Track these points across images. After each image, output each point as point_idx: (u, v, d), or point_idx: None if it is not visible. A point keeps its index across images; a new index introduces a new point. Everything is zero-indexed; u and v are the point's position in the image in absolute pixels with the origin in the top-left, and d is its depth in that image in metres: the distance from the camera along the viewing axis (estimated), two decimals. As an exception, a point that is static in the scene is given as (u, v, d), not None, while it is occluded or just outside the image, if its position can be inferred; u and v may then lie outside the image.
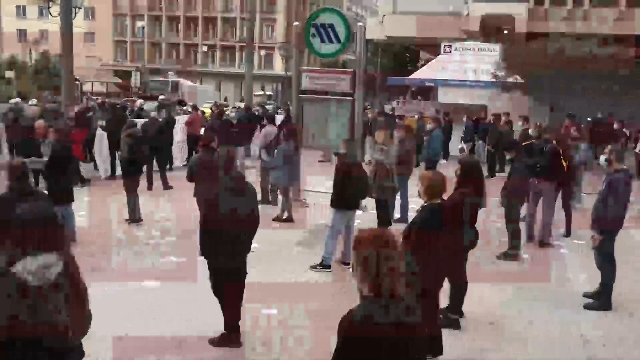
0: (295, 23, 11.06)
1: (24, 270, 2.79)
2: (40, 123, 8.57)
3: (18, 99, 15.39)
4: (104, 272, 6.67)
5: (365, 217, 8.91)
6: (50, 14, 14.20)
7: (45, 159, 7.99)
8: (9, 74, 40.65)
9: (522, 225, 8.49)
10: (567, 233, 9.23)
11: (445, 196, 4.89)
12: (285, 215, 9.58)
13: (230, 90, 56.02)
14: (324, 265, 7.07)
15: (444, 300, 5.34)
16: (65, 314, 2.84)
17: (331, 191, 7.33)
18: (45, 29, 58.65)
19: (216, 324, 5.13)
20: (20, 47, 49.95)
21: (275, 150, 9.85)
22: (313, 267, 7.06)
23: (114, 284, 6.19)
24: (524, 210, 8.68)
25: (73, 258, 3.04)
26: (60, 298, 2.86)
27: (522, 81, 20.22)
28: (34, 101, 15.19)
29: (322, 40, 10.30)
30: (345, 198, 7.07)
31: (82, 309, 2.96)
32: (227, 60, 62.52)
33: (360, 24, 11.74)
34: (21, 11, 62.40)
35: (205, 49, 61.41)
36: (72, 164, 7.57)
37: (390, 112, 20.59)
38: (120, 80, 52.85)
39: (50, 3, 14.47)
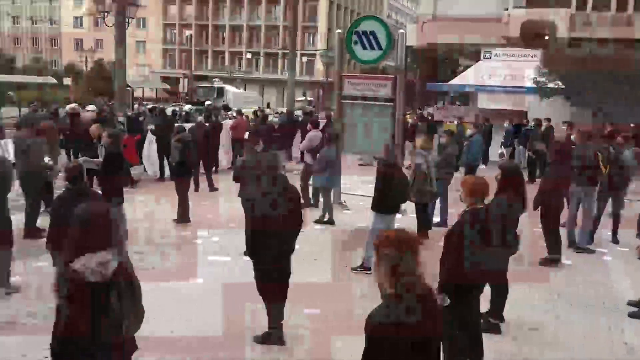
0: (338, 30, 11.06)
1: (82, 267, 2.87)
2: (94, 127, 8.83)
3: (75, 104, 15.90)
4: (152, 271, 6.79)
5: (405, 220, 8.83)
6: (106, 24, 14.61)
7: (99, 160, 8.23)
8: (67, 80, 42.07)
9: (563, 231, 8.25)
10: (614, 239, 8.92)
11: (486, 201, 4.79)
12: (327, 217, 9.58)
13: (272, 96, 56.55)
14: (365, 268, 7.03)
15: (484, 305, 5.23)
16: (121, 310, 2.91)
17: (371, 195, 7.29)
18: (101, 39, 60.71)
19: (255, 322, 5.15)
20: (77, 55, 51.62)
21: (317, 154, 9.86)
22: (354, 269, 7.03)
23: (164, 283, 6.30)
24: (565, 216, 8.44)
25: (127, 255, 3.12)
26: (116, 295, 2.93)
27: (564, 87, 19.70)
28: (93, 107, 15.67)
29: (364, 47, 10.28)
30: (385, 202, 7.01)
31: (135, 305, 3.02)
32: (270, 66, 63.18)
33: (401, 30, 11.66)
34: (78, 22, 64.66)
35: (249, 56, 62.19)
36: (123, 166, 7.74)
37: (429, 118, 20.38)
38: (168, 87, 53.97)
39: (106, 14, 14.89)
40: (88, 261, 2.88)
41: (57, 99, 28.22)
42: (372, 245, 7.05)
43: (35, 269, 6.63)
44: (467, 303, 4.48)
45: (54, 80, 36.45)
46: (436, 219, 9.43)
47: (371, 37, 10.26)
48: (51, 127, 9.99)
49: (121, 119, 12.71)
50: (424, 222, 8.66)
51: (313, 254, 7.46)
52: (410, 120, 18.26)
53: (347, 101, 10.45)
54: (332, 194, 9.99)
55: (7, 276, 6.11)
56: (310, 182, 10.41)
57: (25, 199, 8.43)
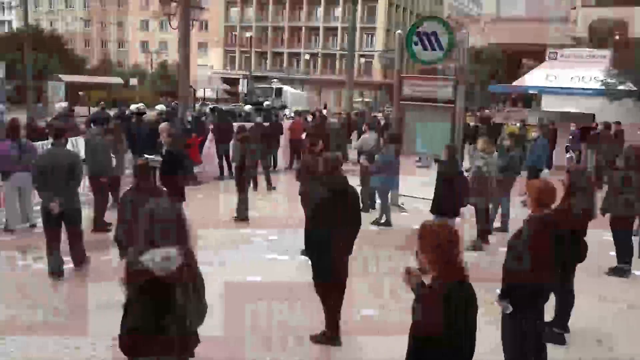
0: (398, 31, 10.98)
1: (149, 261, 2.96)
2: (164, 125, 9.14)
3: (142, 104, 16.44)
4: (211, 267, 6.94)
5: (464, 224, 8.64)
6: (171, 26, 15.06)
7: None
8: (133, 81, 43.72)
9: (635, 240, 7.84)
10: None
11: (553, 206, 4.62)
12: (384, 219, 9.51)
13: (330, 97, 56.71)
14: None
15: (549, 314, 5.04)
16: (185, 305, 2.98)
17: (430, 197, 7.18)
18: (165, 41, 62.81)
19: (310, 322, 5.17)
20: (143, 57, 53.61)
21: (376, 156, 9.81)
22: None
23: (223, 280, 6.42)
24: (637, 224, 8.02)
25: (192, 251, 3.19)
26: (180, 290, 3.00)
27: (635, 88, 18.75)
28: (161, 107, 16.20)
29: (424, 48, 10.16)
30: (445, 205, 6.89)
31: (199, 300, 3.09)
32: (328, 67, 63.42)
33: (463, 31, 11.42)
34: (145, 24, 67.15)
35: (307, 57, 62.67)
36: (183, 165, 7.95)
37: (490, 120, 19.87)
38: (229, 87, 55.13)
39: (171, 17, 15.33)
40: (154, 256, 2.96)
41: (124, 99, 29.42)
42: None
43: (103, 262, 6.90)
44: (530, 311, 4.33)
45: (121, 81, 38.01)
46: (497, 223, 9.19)
47: (432, 37, 10.13)
48: (118, 126, 10.39)
49: (189, 118, 13.06)
50: (485, 226, 8.44)
51: (370, 256, 7.43)
52: (471, 123, 17.86)
53: (407, 102, 10.35)
54: (389, 195, 9.91)
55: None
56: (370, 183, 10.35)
57: (94, 194, 8.81)
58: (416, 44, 10.16)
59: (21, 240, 7.90)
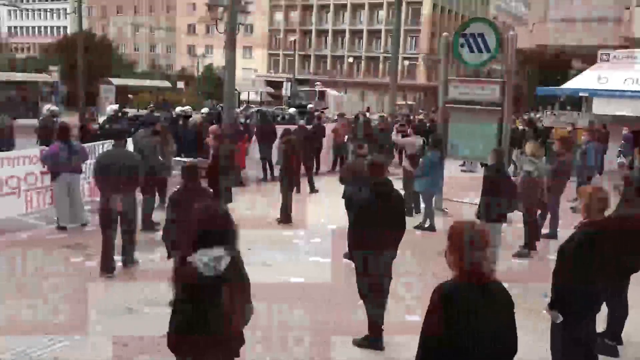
0: (445, 34, 10.83)
1: (197, 261, 3.00)
2: (214, 128, 9.34)
3: (188, 107, 16.81)
4: (255, 268, 6.99)
5: (512, 230, 8.45)
6: (218, 30, 15.28)
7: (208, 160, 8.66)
8: (180, 84, 44.69)
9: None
10: None
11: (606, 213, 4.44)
12: (427, 223, 9.39)
13: (372, 100, 56.48)
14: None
15: (600, 325, 4.85)
16: (232, 305, 3.01)
17: (474, 202, 7.05)
18: (211, 45, 63.97)
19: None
20: (190, 61, 54.75)
21: (420, 159, 9.70)
22: (456, 278, 6.80)
23: (266, 281, 6.46)
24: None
25: (239, 252, 3.22)
26: (227, 290, 3.03)
27: (693, 91, 17.94)
28: (206, 109, 16.53)
29: (471, 50, 9.99)
30: (492, 210, 6.74)
31: (246, 300, 3.12)
32: (371, 70, 63.20)
33: (511, 32, 11.18)
34: (191, 29, 68.62)
35: (350, 60, 62.64)
36: (229, 168, 8.07)
37: (538, 123, 19.38)
38: (272, 90, 55.62)
39: (218, 21, 15.56)
40: (203, 255, 3.01)
41: (171, 102, 30.10)
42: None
43: (151, 260, 7.06)
44: (581, 322, 4.18)
45: (169, 84, 38.87)
46: (545, 230, 8.93)
47: (479, 39, 9.95)
48: (165, 128, 10.63)
49: (242, 120, 13.21)
50: (533, 232, 8.22)
51: (413, 260, 7.33)
52: (519, 126, 17.44)
53: (452, 105, 10.19)
54: (433, 199, 9.77)
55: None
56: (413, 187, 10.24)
57: (142, 194, 9.01)
58: (462, 46, 10.00)
59: (72, 238, 8.17)
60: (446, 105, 10.26)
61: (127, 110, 22.31)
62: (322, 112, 22.04)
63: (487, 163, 7.69)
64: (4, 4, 69.60)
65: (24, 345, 4.88)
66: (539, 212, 8.60)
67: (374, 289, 5.01)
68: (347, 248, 7.21)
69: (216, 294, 2.99)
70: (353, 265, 5.24)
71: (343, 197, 7.54)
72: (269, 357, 4.81)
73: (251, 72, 63.24)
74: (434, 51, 54.83)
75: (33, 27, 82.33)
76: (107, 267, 6.66)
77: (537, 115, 27.01)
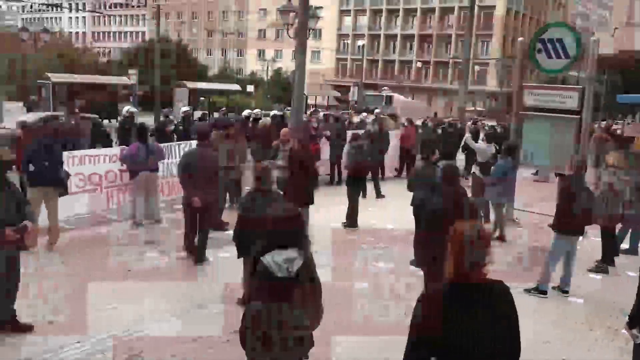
0: (521, 39, 10.51)
1: (270, 262, 3.06)
2: (285, 130, 9.50)
3: (258, 110, 17.17)
4: (321, 270, 7.04)
5: (587, 243, 8.07)
6: (289, 35, 15.52)
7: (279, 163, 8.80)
8: (250, 88, 45.68)
9: None
10: None
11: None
12: (497, 233, 9.12)
13: (440, 106, 55.59)
14: (540, 291, 6.55)
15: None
16: (303, 307, 3.05)
17: (546, 212, 6.78)
18: (280, 49, 65.17)
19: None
20: (260, 65, 55.93)
21: (492, 167, 9.43)
22: (527, 291, 6.58)
23: (331, 284, 6.49)
24: None
25: (311, 254, 3.25)
26: (300, 291, 3.07)
27: None
28: (275, 112, 16.81)
29: (549, 56, 9.63)
30: (569, 222, 6.46)
31: (317, 302, 3.15)
32: (439, 75, 62.27)
33: (593, 38, 10.70)
34: (262, 34, 70.13)
35: (419, 65, 61.95)
36: (309, 172, 8.24)
37: (619, 132, 18.43)
38: (339, 94, 55.85)
39: (289, 26, 15.82)
40: (276, 257, 3.06)
41: (241, 105, 30.84)
42: (549, 268, 6.57)
43: (221, 259, 7.26)
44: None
45: (239, 88, 39.79)
46: (625, 245, 8.47)
47: (558, 44, 9.58)
48: (238, 131, 10.90)
49: (314, 124, 13.30)
50: (611, 247, 7.81)
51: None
52: (600, 135, 16.63)
53: (527, 112, 9.86)
54: (504, 209, 9.49)
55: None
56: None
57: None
58: (539, 51, 9.66)
59: (148, 234, 8.52)
60: (521, 112, 9.93)
61: (203, 111, 23.04)
62: (393, 117, 21.88)
63: (563, 173, 7.39)
64: (90, 11, 73.77)
65: (104, 334, 5.14)
66: (619, 226, 8.18)
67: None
68: (413, 255, 7.19)
69: (288, 294, 3.03)
70: (420, 272, 5.18)
71: (412, 204, 7.44)
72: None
73: (319, 77, 63.80)
74: (506, 56, 53.31)
75: (114, 33, 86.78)
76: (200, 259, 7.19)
77: (616, 124, 25.70)
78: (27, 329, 5.07)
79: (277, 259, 3.06)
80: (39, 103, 27.50)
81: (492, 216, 9.48)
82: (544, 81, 26.65)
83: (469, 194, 9.92)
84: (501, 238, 9.03)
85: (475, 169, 10.65)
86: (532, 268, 7.47)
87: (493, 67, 55.77)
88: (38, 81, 28.73)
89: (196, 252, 7.21)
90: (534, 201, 11.57)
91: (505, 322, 2.60)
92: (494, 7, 57.87)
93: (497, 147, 11.43)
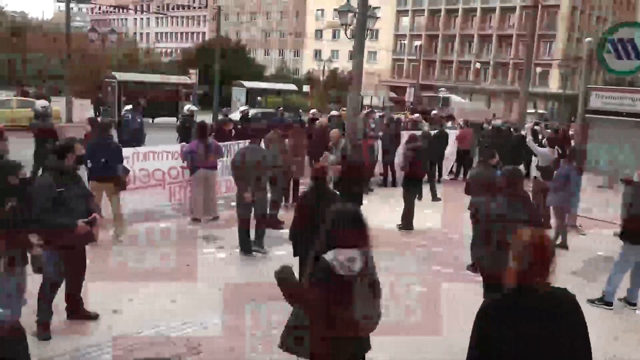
0: (588, 39, 10.10)
1: (332, 260, 3.05)
2: (335, 131, 9.49)
3: (314, 110, 17.25)
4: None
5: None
6: (347, 35, 15.50)
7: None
8: (306, 88, 46.02)
9: None
10: None
11: None
12: (559, 240, 8.79)
13: (499, 108, 54.17)
14: (605, 302, 6.27)
15: None
16: (362, 307, 3.03)
17: (612, 220, 6.47)
18: (337, 49, 65.32)
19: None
20: (316, 65, 56.22)
21: (555, 172, 9.11)
22: (591, 302, 6.31)
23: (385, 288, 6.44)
24: None
25: (371, 255, 3.20)
26: (359, 291, 3.05)
27: None
28: (335, 112, 16.88)
29: (619, 57, 9.21)
30: (636, 232, 6.14)
31: (375, 303, 3.12)
32: (498, 77, 60.70)
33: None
34: (319, 34, 70.51)
35: (478, 65, 60.58)
36: (361, 175, 8.23)
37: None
38: (395, 95, 55.46)
39: (347, 27, 15.80)
40: (337, 255, 3.05)
41: (298, 105, 31.08)
42: (616, 278, 6.28)
43: (276, 257, 7.33)
44: None
45: (295, 88, 40.12)
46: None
47: (629, 45, 9.14)
48: (298, 130, 11.04)
49: (372, 125, 13.18)
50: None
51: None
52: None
53: (593, 115, 9.47)
54: (567, 215, 9.14)
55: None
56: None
57: (271, 192, 9.36)
58: (608, 52, 9.25)
59: (205, 230, 8.72)
60: (586, 115, 9.54)
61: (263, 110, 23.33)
62: (450, 118, 21.53)
63: (631, 179, 7.04)
64: (154, 12, 76.26)
65: (163, 325, 5.29)
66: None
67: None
68: (470, 259, 7.03)
69: (348, 294, 3.02)
70: (478, 277, 5.05)
71: (469, 209, 7.27)
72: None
73: (375, 77, 63.52)
74: (570, 57, 51.41)
75: (175, 33, 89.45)
76: (245, 250, 7.54)
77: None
78: (94, 317, 5.29)
79: (339, 258, 3.05)
80: (105, 101, 28.59)
81: (553, 222, 9.16)
82: (610, 83, 25.55)
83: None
84: (563, 246, 8.71)
85: (536, 173, 10.33)
86: (597, 278, 7.18)
87: (556, 68, 53.84)
88: (105, 79, 29.86)
89: (248, 247, 7.53)
90: (598, 208, 11.10)
91: (573, 332, 2.48)
92: (557, 5, 55.89)
93: (560, 151, 11.03)
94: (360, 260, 3.04)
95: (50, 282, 4.94)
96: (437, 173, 13.97)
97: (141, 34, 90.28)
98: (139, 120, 12.57)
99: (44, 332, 4.86)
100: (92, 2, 76.17)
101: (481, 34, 61.67)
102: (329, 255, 3.05)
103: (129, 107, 13.04)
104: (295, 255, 5.49)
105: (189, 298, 5.96)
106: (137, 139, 11.59)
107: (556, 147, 10.54)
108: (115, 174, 7.66)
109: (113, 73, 29.84)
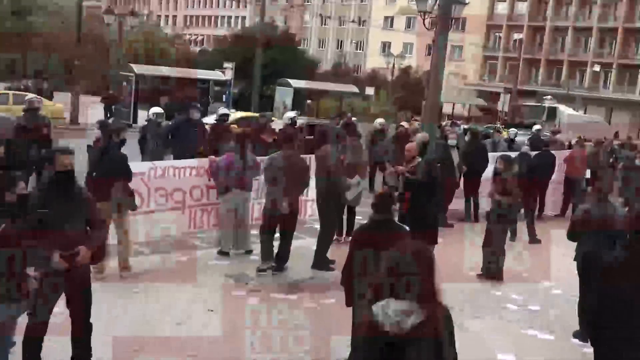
0: None
1: (379, 311, 3.05)
2: (412, 145, 9.60)
3: (381, 119, 17.26)
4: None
5: None
6: (425, 26, 15.56)
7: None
8: (369, 90, 45.98)
9: None
10: None
11: None
12: None
13: (625, 121, 52.71)
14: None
15: None
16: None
17: None
18: (410, 42, 65.21)
19: None
20: (383, 61, 56.28)
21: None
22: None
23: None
24: None
25: (441, 304, 3.16)
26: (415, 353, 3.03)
27: None
28: (405, 123, 16.91)
29: None
30: None
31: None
32: (625, 82, 59.13)
33: None
34: (388, 23, 70.53)
35: (597, 68, 59.27)
36: (433, 200, 8.26)
37: None
38: (484, 103, 54.89)
39: (425, 14, 15.85)
40: (387, 306, 3.04)
41: (358, 111, 31.22)
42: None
43: (325, 307, 7.37)
44: None
45: (356, 89, 40.23)
46: None
47: None
48: (360, 146, 11.21)
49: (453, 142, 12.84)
50: None
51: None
52: None
53: None
54: None
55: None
56: None
57: (320, 224, 9.38)
58: None
59: (235, 267, 8.81)
60: None
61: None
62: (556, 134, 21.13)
63: None
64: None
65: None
66: None
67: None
68: (578, 325, 6.87)
69: (398, 355, 3.00)
70: (587, 348, 4.92)
71: (575, 260, 7.12)
72: None
73: (459, 79, 63.15)
74: None
75: (209, 17, 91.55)
76: (267, 259, 8.58)
77: None
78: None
79: (388, 309, 3.04)
80: (118, 99, 29.15)
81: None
82: None
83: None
84: None
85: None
86: None
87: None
88: (120, 72, 30.61)
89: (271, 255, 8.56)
90: None
91: None
92: None
93: None
94: (417, 316, 3.01)
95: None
96: (537, 206, 13.69)
97: (167, 16, 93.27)
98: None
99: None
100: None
101: (601, 27, 60.37)
102: (377, 305, 3.05)
103: (158, 109, 13.08)
104: (348, 304, 5.51)
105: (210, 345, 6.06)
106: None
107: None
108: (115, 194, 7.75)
109: (130, 65, 30.61)
